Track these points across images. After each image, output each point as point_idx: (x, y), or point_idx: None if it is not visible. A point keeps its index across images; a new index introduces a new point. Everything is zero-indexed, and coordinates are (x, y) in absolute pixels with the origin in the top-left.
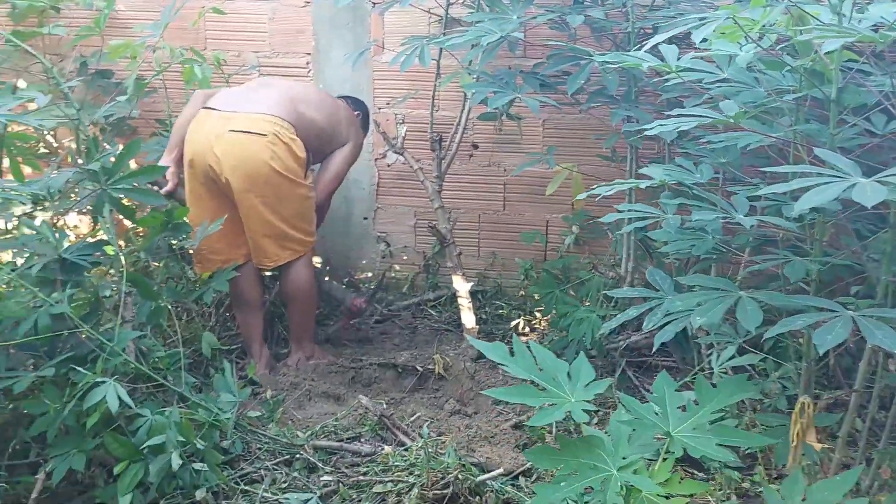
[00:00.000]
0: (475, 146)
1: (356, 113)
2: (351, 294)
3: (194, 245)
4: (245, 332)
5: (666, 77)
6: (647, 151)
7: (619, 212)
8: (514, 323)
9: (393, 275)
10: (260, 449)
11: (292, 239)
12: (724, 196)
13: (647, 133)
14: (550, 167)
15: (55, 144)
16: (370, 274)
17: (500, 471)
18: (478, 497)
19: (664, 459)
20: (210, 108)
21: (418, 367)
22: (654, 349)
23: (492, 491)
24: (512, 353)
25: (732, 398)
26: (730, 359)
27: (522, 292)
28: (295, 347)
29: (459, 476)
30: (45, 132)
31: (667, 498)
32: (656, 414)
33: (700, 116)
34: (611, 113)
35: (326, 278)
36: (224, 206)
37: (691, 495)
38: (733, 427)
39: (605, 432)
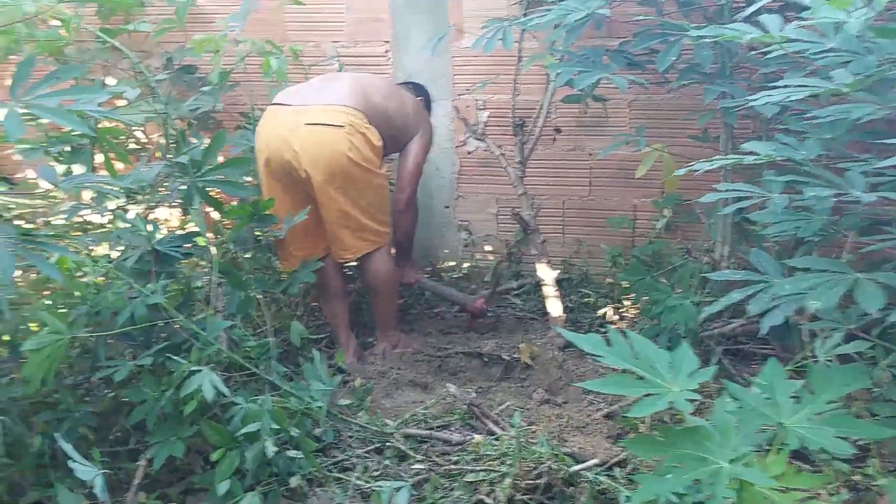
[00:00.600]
0: (558, 130)
1: (419, 98)
2: (469, 297)
3: (281, 235)
4: (331, 321)
5: (763, 50)
6: (741, 131)
7: (719, 191)
8: (601, 311)
9: (475, 263)
10: (351, 437)
11: (369, 230)
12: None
13: (753, 105)
14: (640, 148)
15: (144, 140)
16: (452, 263)
17: (595, 461)
18: (571, 488)
19: (778, 451)
20: (278, 104)
21: (504, 356)
22: (759, 335)
23: (586, 482)
24: (608, 343)
25: (847, 387)
26: (836, 346)
27: (609, 280)
28: (380, 336)
29: (553, 466)
30: (135, 127)
31: (781, 492)
32: (766, 403)
33: (810, 87)
34: (704, 90)
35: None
36: (301, 202)
37: (806, 489)
38: (851, 417)
39: (708, 421)
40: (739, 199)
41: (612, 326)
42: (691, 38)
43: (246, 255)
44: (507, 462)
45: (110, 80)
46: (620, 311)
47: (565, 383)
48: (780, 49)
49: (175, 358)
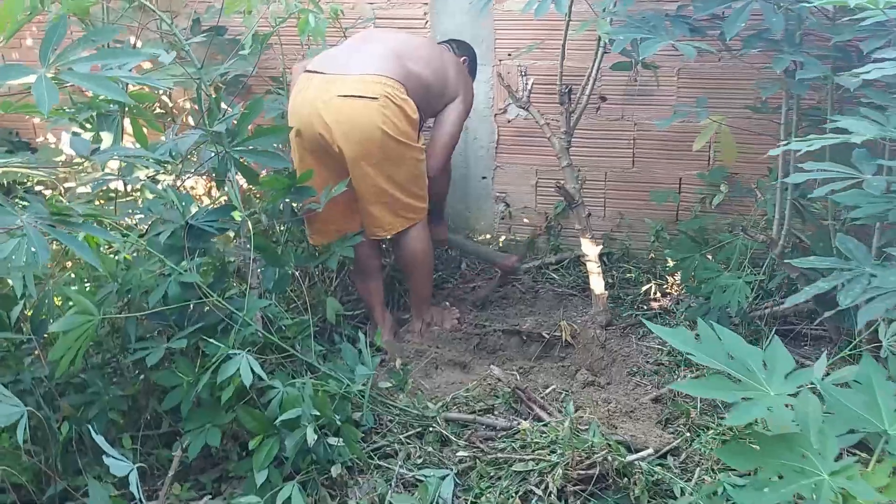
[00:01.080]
0: (603, 98)
1: (462, 58)
2: (502, 255)
3: (320, 208)
4: (367, 298)
5: (856, 17)
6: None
7: (807, 171)
8: (644, 288)
9: (513, 236)
10: (391, 421)
11: (406, 206)
12: None
13: (864, 77)
14: (701, 119)
15: (171, 105)
16: (489, 236)
17: (650, 451)
18: (626, 479)
19: (879, 461)
20: (312, 70)
21: (544, 334)
22: (859, 327)
23: (640, 472)
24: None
25: None
26: None
27: (652, 255)
28: (416, 314)
29: (608, 457)
30: (161, 92)
31: None
32: (864, 405)
33: None
34: (774, 59)
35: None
36: (335, 176)
37: None
38: None
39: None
40: (832, 179)
41: (654, 304)
42: (758, 2)
43: (280, 228)
44: (558, 451)
45: (137, 43)
46: (663, 287)
47: (608, 363)
48: (880, 15)
49: (212, 341)
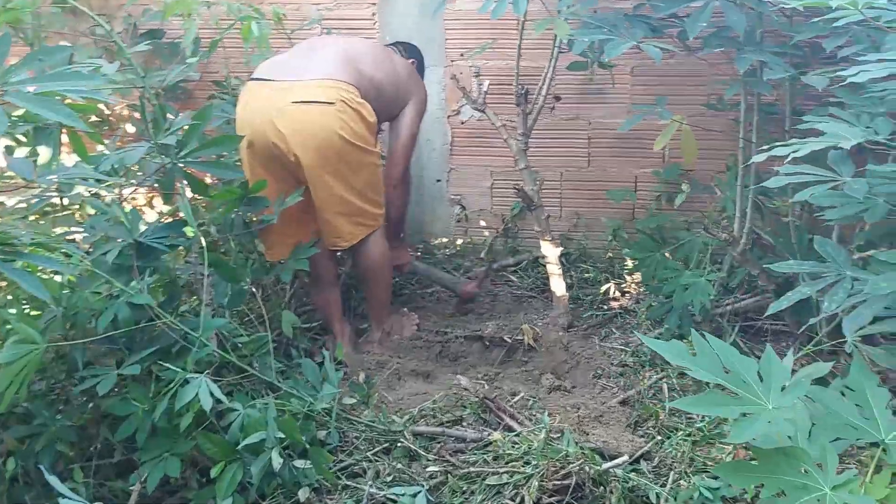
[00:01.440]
0: (557, 98)
1: (410, 61)
2: (460, 280)
3: (273, 220)
4: (324, 310)
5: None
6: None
7: (785, 175)
8: (603, 288)
9: (469, 240)
10: (357, 438)
11: (365, 213)
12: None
13: (851, 80)
14: (664, 119)
15: (108, 112)
16: (445, 240)
17: (625, 458)
18: (601, 487)
19: (877, 471)
20: (260, 78)
21: (507, 339)
22: (848, 336)
23: (616, 479)
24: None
25: None
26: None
27: (610, 254)
28: (375, 324)
29: (584, 467)
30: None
31: None
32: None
33: None
34: (736, 58)
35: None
36: (287, 187)
37: None
38: None
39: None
40: (807, 183)
41: (614, 304)
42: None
43: (231, 241)
44: (532, 462)
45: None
46: (622, 286)
47: (572, 366)
48: (856, 15)
49: (168, 365)
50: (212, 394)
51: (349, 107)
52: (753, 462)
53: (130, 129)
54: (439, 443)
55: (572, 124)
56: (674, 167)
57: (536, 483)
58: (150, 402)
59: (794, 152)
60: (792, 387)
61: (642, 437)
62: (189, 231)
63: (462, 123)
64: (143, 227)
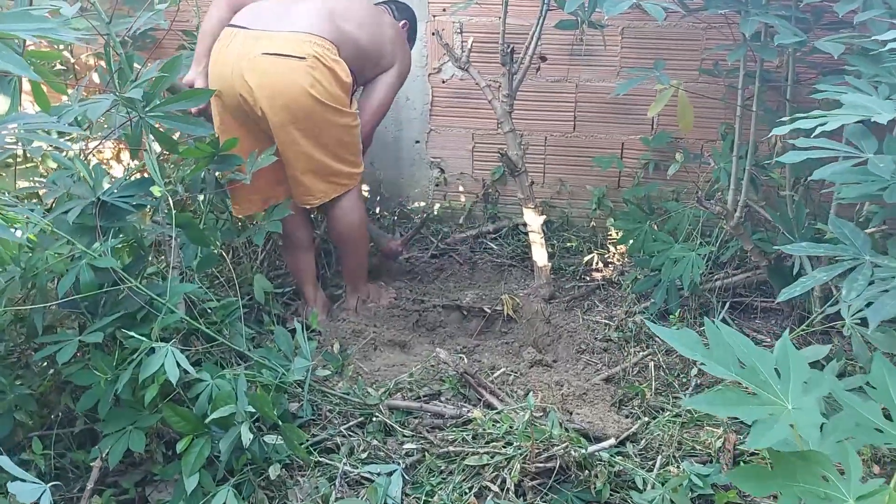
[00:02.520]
0: (544, 58)
1: (402, 23)
2: (387, 236)
3: (246, 179)
4: (297, 274)
5: None
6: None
7: (800, 148)
8: (586, 258)
9: (448, 204)
10: (331, 412)
11: (338, 173)
12: None
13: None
14: (663, 84)
15: (72, 60)
16: (423, 203)
17: (612, 441)
18: (587, 471)
19: None
20: (236, 25)
21: (486, 309)
22: (871, 328)
23: (601, 462)
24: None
25: None
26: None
27: (593, 223)
28: (350, 290)
29: (572, 451)
30: (62, 48)
31: None
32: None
33: None
34: (742, 20)
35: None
36: (260, 142)
37: None
38: None
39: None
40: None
41: (596, 275)
42: None
43: (200, 200)
44: (514, 443)
45: None
46: (605, 257)
47: (553, 339)
48: None
49: (132, 334)
50: (178, 364)
51: (322, 64)
52: (768, 467)
53: (97, 78)
54: (416, 418)
55: (558, 86)
56: (662, 134)
57: (518, 465)
58: (113, 372)
59: (821, 125)
60: (813, 384)
61: (628, 416)
62: (156, 190)
63: (444, 82)
64: (107, 185)
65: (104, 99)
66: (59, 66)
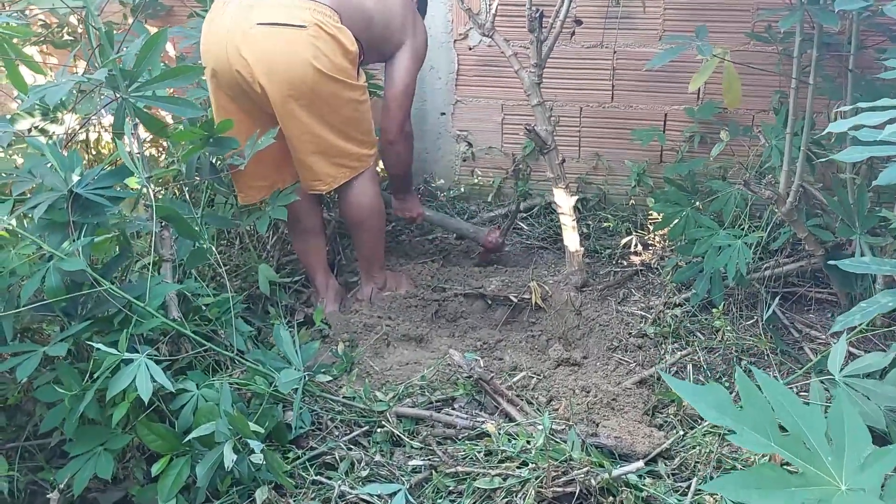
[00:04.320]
0: (578, 22)
1: None
2: (483, 229)
3: (244, 165)
4: (306, 262)
5: None
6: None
7: (865, 143)
8: (624, 241)
9: (476, 181)
10: (332, 420)
11: (347, 154)
12: None
13: None
14: (705, 55)
15: (80, 30)
16: (448, 181)
17: (640, 464)
18: (611, 497)
19: None
20: None
21: (512, 298)
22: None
23: (627, 486)
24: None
25: None
26: None
27: (633, 201)
28: (365, 278)
29: (591, 477)
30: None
31: None
32: None
33: None
34: None
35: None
36: (260, 123)
37: None
38: None
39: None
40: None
41: (635, 259)
42: None
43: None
44: (530, 463)
45: None
46: (644, 239)
47: (584, 333)
48: None
49: (99, 346)
50: (154, 378)
51: (325, 32)
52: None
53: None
54: (427, 425)
55: (595, 53)
56: (709, 105)
57: (534, 490)
58: (80, 387)
59: (893, 120)
60: (875, 458)
61: (661, 427)
62: (132, 182)
63: (470, 49)
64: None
65: (67, 80)
66: (67, 37)
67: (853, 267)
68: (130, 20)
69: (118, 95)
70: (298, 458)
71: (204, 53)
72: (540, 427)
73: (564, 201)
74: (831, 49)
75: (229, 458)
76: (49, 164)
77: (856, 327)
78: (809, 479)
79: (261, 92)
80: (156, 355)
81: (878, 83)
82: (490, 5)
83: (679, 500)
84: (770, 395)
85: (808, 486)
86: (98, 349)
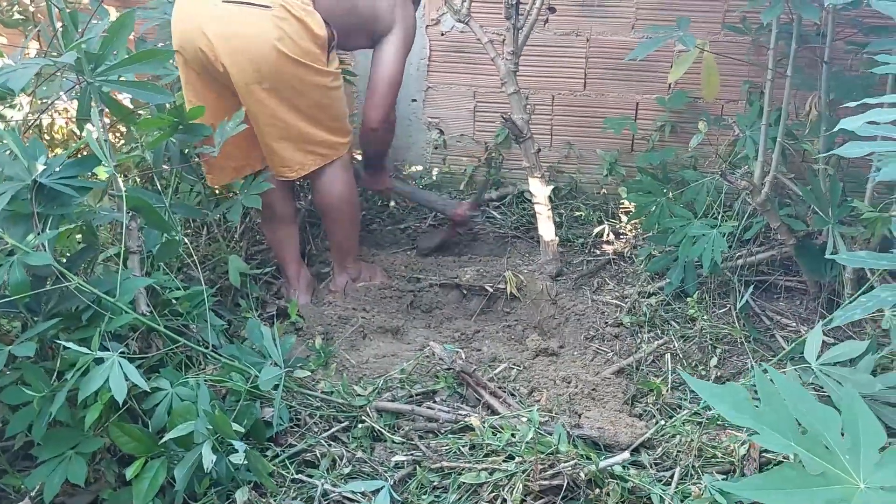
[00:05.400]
0: (552, 10)
1: None
2: (452, 202)
3: (215, 153)
4: (278, 251)
5: None
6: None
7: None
8: (596, 230)
9: (448, 168)
10: (311, 416)
11: (317, 140)
12: None
13: None
14: (687, 46)
15: (32, 8)
16: (419, 168)
17: (625, 455)
18: (598, 489)
19: None
20: None
21: (487, 288)
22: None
23: (613, 478)
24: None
25: None
26: None
27: (604, 190)
28: (338, 269)
29: (581, 468)
30: None
31: None
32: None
33: None
34: None
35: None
36: (229, 101)
37: None
38: None
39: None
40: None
41: (607, 248)
42: None
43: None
44: (516, 457)
45: None
46: (617, 227)
47: (560, 322)
48: None
49: (70, 345)
50: (127, 376)
51: (290, 14)
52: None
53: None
54: (409, 419)
55: (568, 41)
56: (680, 94)
57: (521, 484)
58: (49, 388)
59: None
60: (891, 456)
61: (641, 416)
62: (101, 171)
63: (443, 35)
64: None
65: (29, 63)
66: (17, 16)
67: (849, 261)
68: (89, 0)
69: (82, 80)
70: (278, 456)
71: (173, 31)
72: (524, 419)
73: (539, 191)
74: (803, 41)
75: (209, 458)
76: (9, 152)
77: (826, 316)
78: (829, 478)
79: (223, 71)
80: (126, 352)
81: (848, 75)
82: None
83: (663, 490)
84: (786, 394)
85: (828, 485)
86: (68, 348)
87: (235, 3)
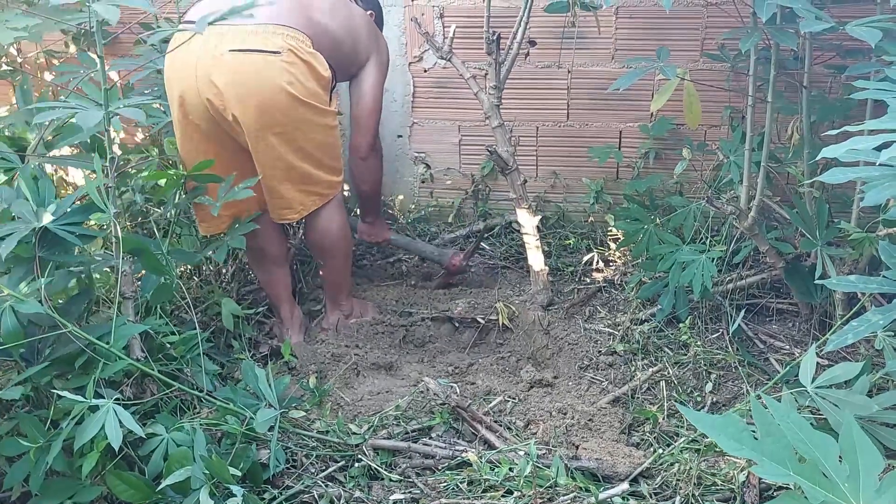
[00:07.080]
0: (532, 43)
1: (368, 13)
2: (447, 252)
3: (217, 208)
4: (270, 292)
5: None
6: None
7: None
8: (586, 258)
9: (435, 202)
10: (307, 457)
11: (318, 181)
12: None
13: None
14: (668, 77)
15: (20, 60)
16: (405, 200)
17: (624, 486)
18: None
19: None
20: (192, 22)
21: (479, 319)
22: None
23: None
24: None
25: None
26: None
27: (591, 218)
28: (331, 306)
29: (578, 502)
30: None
31: None
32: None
33: None
34: (756, 2)
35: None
36: (227, 149)
37: None
38: None
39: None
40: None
41: (597, 276)
42: None
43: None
44: (515, 492)
45: None
46: (606, 255)
47: (553, 352)
48: None
49: (64, 393)
50: (122, 423)
51: (298, 57)
52: None
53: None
54: (405, 456)
55: (550, 73)
56: (663, 121)
57: None
58: (44, 437)
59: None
60: (890, 483)
61: (639, 445)
62: (96, 217)
63: (425, 71)
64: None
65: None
66: (5, 67)
67: (840, 286)
68: (72, 49)
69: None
70: (275, 498)
71: (168, 81)
72: (521, 453)
73: (527, 221)
74: (781, 66)
75: (206, 503)
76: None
77: (819, 338)
78: None
79: (232, 120)
80: (120, 398)
81: (829, 98)
82: (447, 29)
83: None
84: (782, 422)
85: None
86: (63, 397)
87: (243, 52)
